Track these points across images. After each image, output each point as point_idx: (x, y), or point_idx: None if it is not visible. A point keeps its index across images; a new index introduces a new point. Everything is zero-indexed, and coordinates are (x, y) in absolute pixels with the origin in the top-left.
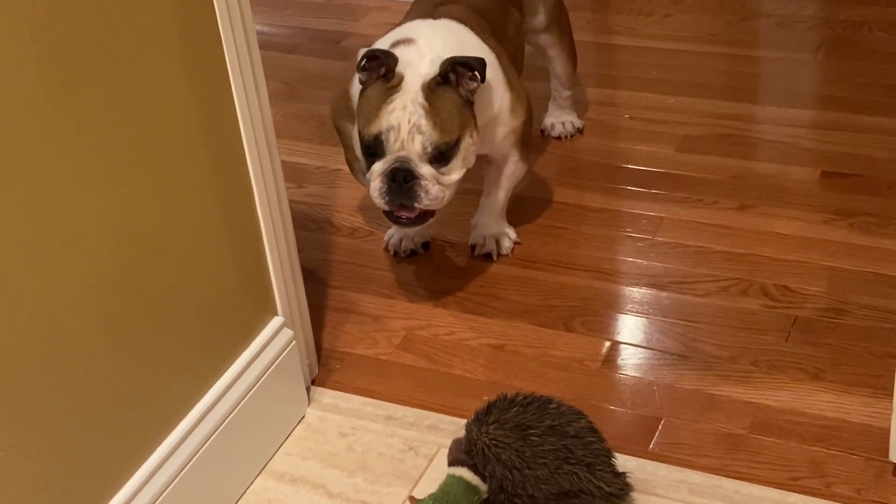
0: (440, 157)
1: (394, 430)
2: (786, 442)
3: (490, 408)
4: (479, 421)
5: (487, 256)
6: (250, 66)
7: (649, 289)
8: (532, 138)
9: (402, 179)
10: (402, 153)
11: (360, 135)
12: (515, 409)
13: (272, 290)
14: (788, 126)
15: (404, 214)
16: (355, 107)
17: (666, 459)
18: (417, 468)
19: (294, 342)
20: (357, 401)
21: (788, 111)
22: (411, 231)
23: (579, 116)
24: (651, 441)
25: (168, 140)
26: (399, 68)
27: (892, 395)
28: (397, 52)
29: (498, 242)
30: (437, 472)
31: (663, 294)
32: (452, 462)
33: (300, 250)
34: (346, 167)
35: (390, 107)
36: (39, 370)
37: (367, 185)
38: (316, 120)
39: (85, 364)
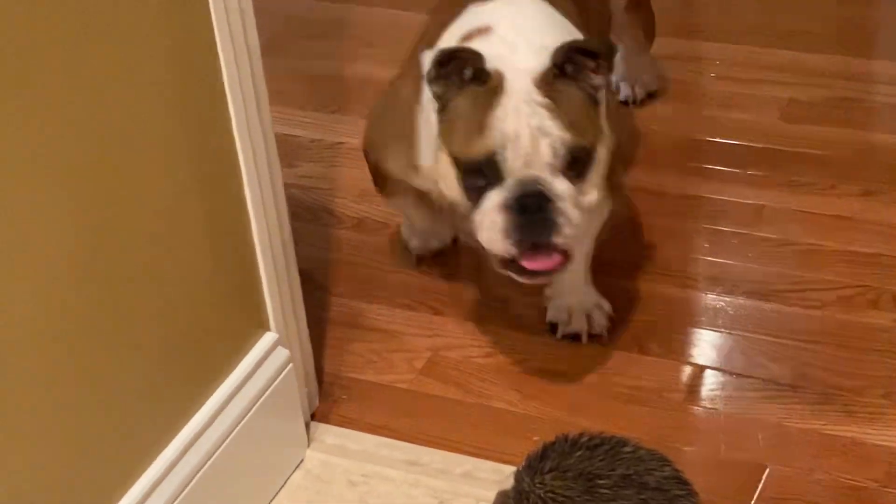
0: (576, 166)
1: (417, 479)
2: None
3: (546, 452)
4: (531, 468)
5: (575, 338)
6: (239, 13)
7: (747, 299)
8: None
9: (534, 208)
10: (528, 172)
11: (456, 163)
12: (579, 453)
13: (263, 298)
14: None
15: (540, 261)
16: (428, 132)
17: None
18: None
19: (290, 365)
20: (370, 441)
21: None
22: (438, 231)
23: (653, 77)
24: (753, 496)
25: (137, 112)
26: (489, 66)
27: None
28: (474, 46)
29: (589, 318)
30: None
31: (766, 306)
32: None
33: (294, 246)
34: (350, 139)
35: (498, 113)
36: None
37: (467, 232)
38: (308, 80)
39: (32, 399)
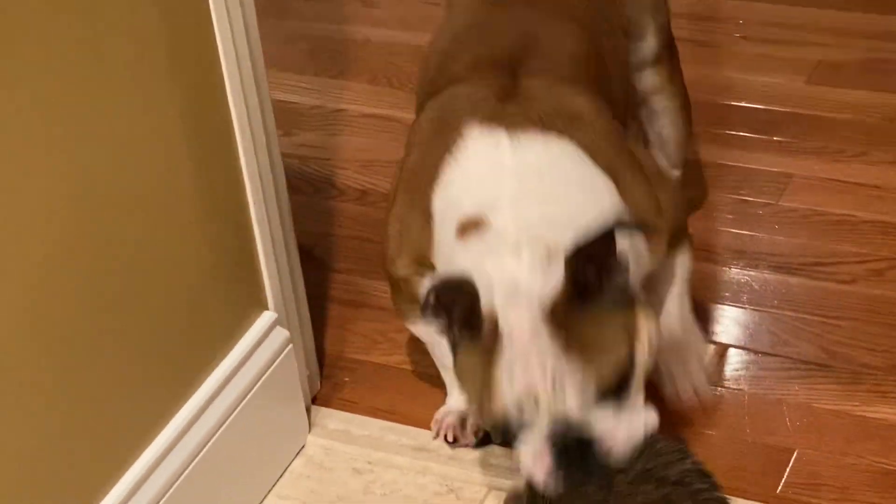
0: (614, 386)
1: (426, 466)
2: None
3: None
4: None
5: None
6: None
7: (773, 273)
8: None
9: (577, 454)
10: (556, 415)
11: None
12: None
13: (261, 275)
14: None
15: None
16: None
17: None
18: None
19: (290, 345)
20: (375, 425)
21: None
22: None
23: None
24: (780, 481)
25: (124, 80)
26: (485, 301)
27: None
28: (466, 253)
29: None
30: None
31: (793, 280)
32: None
33: (293, 221)
34: (351, 106)
35: (503, 372)
36: None
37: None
38: (308, 43)
39: (25, 384)
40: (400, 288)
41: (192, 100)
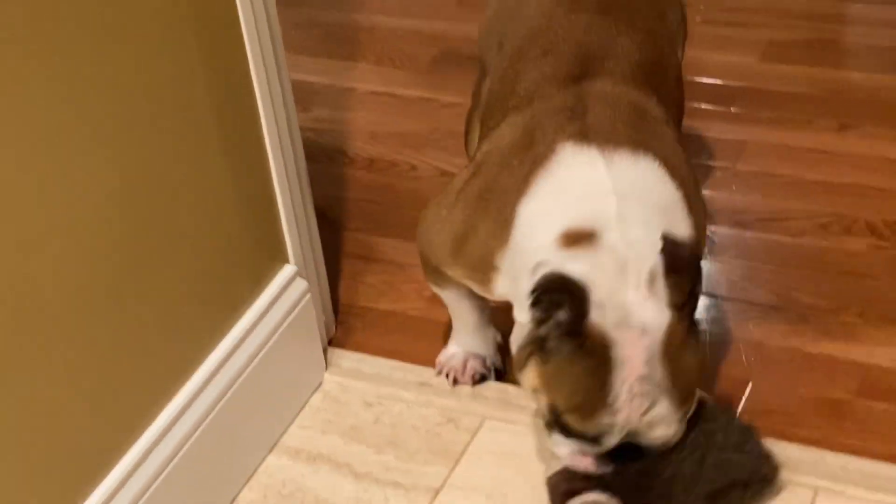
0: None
1: (429, 399)
2: None
3: None
4: None
5: None
6: None
7: (731, 228)
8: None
9: (626, 456)
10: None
11: (554, 410)
12: None
13: (282, 232)
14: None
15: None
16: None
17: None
18: (458, 443)
19: (308, 295)
20: (384, 365)
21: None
22: (481, 350)
23: None
24: (737, 410)
25: (164, 66)
26: (595, 315)
27: None
28: (574, 261)
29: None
30: (482, 448)
31: (748, 234)
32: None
33: (310, 185)
34: (360, 85)
35: (613, 398)
36: (19, 331)
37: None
38: (321, 29)
39: (70, 328)
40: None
41: (222, 80)
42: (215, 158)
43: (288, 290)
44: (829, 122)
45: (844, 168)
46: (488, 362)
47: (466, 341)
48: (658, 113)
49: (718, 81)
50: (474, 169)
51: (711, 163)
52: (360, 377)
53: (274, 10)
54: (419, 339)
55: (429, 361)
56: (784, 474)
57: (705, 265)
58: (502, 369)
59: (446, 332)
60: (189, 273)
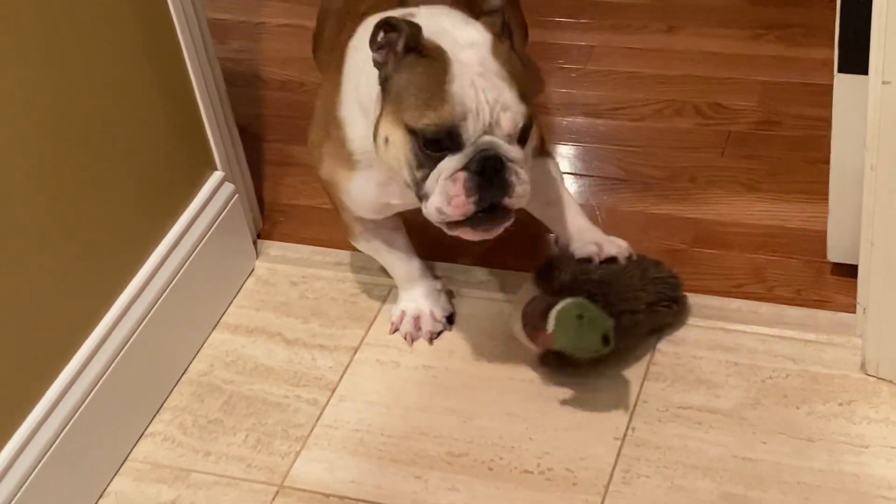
0: (522, 138)
1: (345, 276)
2: (727, 252)
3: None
4: (543, 274)
5: (612, 260)
6: None
7: (585, 118)
8: None
9: (492, 171)
10: (485, 138)
11: (411, 132)
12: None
13: (209, 144)
14: None
15: (494, 222)
16: (361, 110)
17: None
18: (371, 309)
19: (236, 196)
20: (305, 250)
21: None
22: (427, 305)
23: None
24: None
25: (95, 9)
26: (428, 37)
27: (827, 199)
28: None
29: (615, 243)
30: (391, 311)
31: (599, 121)
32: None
33: (230, 105)
34: (269, 20)
35: (455, 87)
36: None
37: (423, 200)
38: None
39: (26, 237)
40: (344, 205)
41: (147, 18)
42: (145, 88)
43: (218, 193)
44: (660, 25)
45: (674, 62)
46: (438, 315)
47: (411, 298)
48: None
49: None
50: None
51: (567, 65)
52: (285, 262)
53: None
54: (333, 228)
55: (342, 245)
56: None
57: (568, 149)
58: (453, 314)
59: None
60: (131, 184)
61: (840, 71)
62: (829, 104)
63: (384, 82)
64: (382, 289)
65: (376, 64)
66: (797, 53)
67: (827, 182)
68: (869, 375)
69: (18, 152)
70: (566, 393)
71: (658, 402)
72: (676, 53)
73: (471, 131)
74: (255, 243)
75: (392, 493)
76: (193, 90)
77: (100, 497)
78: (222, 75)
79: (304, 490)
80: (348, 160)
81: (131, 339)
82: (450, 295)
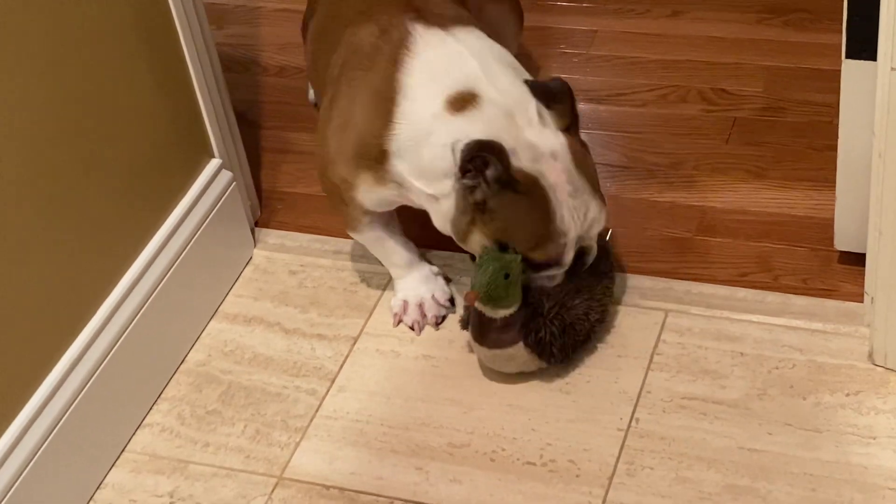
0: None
1: (343, 264)
2: (733, 241)
3: None
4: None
5: None
6: None
7: (587, 103)
8: None
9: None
10: (579, 248)
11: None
12: None
13: (206, 132)
14: None
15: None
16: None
17: (616, 268)
18: (371, 298)
19: (234, 184)
20: (303, 238)
21: None
22: (427, 290)
23: None
24: None
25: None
26: (514, 161)
27: (834, 187)
28: (470, 124)
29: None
30: (390, 300)
31: (602, 107)
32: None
33: (228, 91)
34: (266, 4)
35: (558, 222)
36: None
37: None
38: None
39: (21, 226)
40: (344, 200)
41: (143, 4)
42: (142, 74)
43: (216, 181)
44: (663, 9)
45: (678, 47)
46: (441, 298)
47: (410, 286)
48: (465, 13)
49: None
50: (335, 83)
51: (569, 50)
52: (284, 250)
53: None
54: (332, 216)
55: (341, 233)
56: (640, 301)
57: None
58: (453, 298)
59: None
60: (127, 172)
61: (848, 57)
62: (836, 90)
63: (477, 202)
64: (382, 277)
65: (467, 187)
66: (803, 38)
67: (834, 169)
68: (876, 365)
69: (14, 140)
70: (569, 383)
71: (662, 392)
72: (680, 38)
73: (571, 250)
74: (252, 231)
75: (393, 485)
76: (190, 76)
77: (97, 488)
78: (220, 62)
79: (303, 481)
80: (382, 178)
81: (128, 329)
82: (447, 281)
